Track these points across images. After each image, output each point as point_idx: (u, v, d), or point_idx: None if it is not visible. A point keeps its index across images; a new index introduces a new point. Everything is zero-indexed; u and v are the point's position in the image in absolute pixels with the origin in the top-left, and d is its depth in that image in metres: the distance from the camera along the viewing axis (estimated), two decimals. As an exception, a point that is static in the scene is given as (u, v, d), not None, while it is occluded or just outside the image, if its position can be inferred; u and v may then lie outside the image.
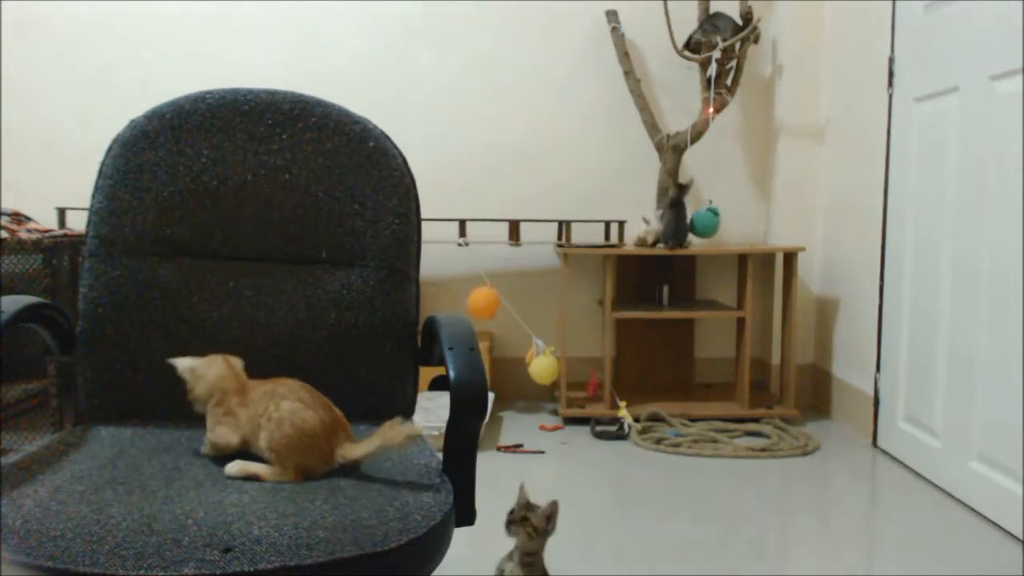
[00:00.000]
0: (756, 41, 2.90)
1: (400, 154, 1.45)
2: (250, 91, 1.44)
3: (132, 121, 1.41)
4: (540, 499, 1.42)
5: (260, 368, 1.34)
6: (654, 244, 2.81)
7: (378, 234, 1.40)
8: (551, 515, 1.35)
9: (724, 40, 2.81)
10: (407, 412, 1.42)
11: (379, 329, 1.38)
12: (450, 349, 1.14)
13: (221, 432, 1.13)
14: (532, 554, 1.35)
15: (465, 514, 1.12)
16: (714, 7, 2.97)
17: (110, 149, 1.40)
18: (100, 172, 1.39)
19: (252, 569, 0.84)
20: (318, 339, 1.36)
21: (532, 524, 1.33)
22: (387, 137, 1.46)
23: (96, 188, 1.38)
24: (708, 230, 2.89)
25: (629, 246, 2.88)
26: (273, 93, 1.44)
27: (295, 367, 1.35)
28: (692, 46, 2.90)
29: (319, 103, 1.45)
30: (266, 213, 1.41)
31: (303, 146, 1.42)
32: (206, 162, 1.40)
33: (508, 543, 1.40)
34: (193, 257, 1.39)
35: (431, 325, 1.31)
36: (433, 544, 0.97)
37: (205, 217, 1.39)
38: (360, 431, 1.27)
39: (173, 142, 1.39)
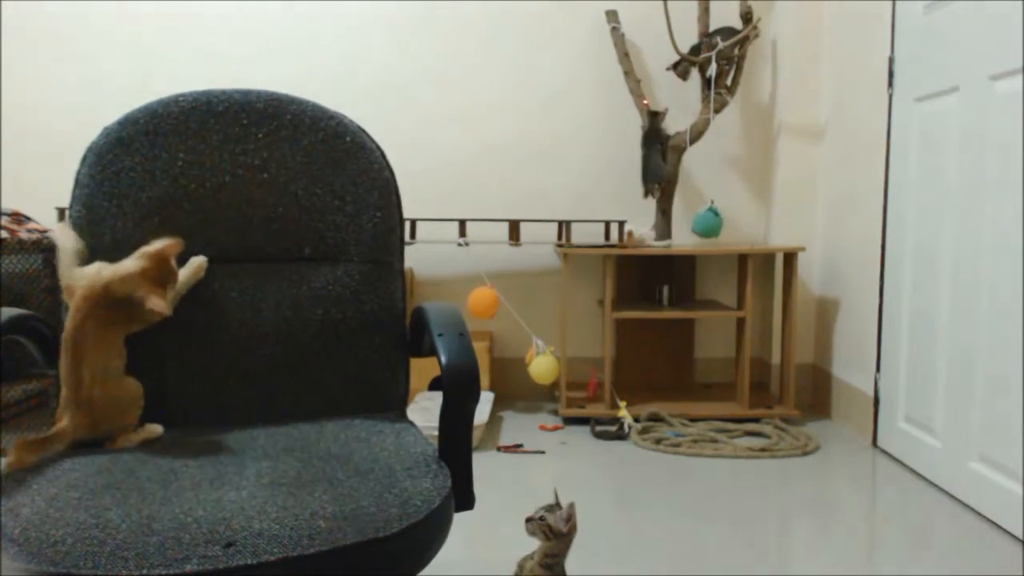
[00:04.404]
0: (755, 37, 2.90)
1: (378, 147, 1.45)
2: (223, 92, 1.43)
3: (105, 128, 1.40)
4: (541, 500, 1.42)
5: (249, 368, 1.34)
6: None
7: (360, 228, 1.41)
8: (569, 517, 1.35)
9: (724, 41, 2.81)
10: (400, 404, 1.42)
11: (367, 322, 1.38)
12: (439, 335, 1.15)
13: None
14: (554, 556, 1.35)
15: (464, 499, 1.13)
16: (714, 7, 2.98)
17: (85, 158, 1.38)
18: (76, 182, 1.38)
19: (255, 562, 0.85)
20: (306, 336, 1.36)
21: (549, 524, 1.34)
22: (364, 131, 1.46)
23: (73, 198, 1.37)
24: (711, 231, 2.89)
25: (634, 235, 2.88)
26: (246, 93, 1.44)
27: (284, 365, 1.35)
28: (691, 53, 2.91)
29: (293, 100, 1.45)
30: (246, 213, 1.41)
31: (279, 144, 1.42)
32: (183, 165, 1.39)
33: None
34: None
35: (419, 315, 1.32)
36: (433, 528, 0.98)
37: (185, 220, 1.39)
38: (353, 425, 1.28)
39: (148, 147, 1.38)
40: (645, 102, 2.93)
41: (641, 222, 3.12)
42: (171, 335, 1.34)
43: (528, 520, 1.36)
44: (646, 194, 2.91)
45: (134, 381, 1.23)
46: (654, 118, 2.85)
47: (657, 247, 2.84)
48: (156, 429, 1.23)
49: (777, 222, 3.09)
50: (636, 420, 2.72)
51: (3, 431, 2.47)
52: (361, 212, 1.41)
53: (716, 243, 3.05)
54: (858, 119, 2.75)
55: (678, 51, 2.89)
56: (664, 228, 2.94)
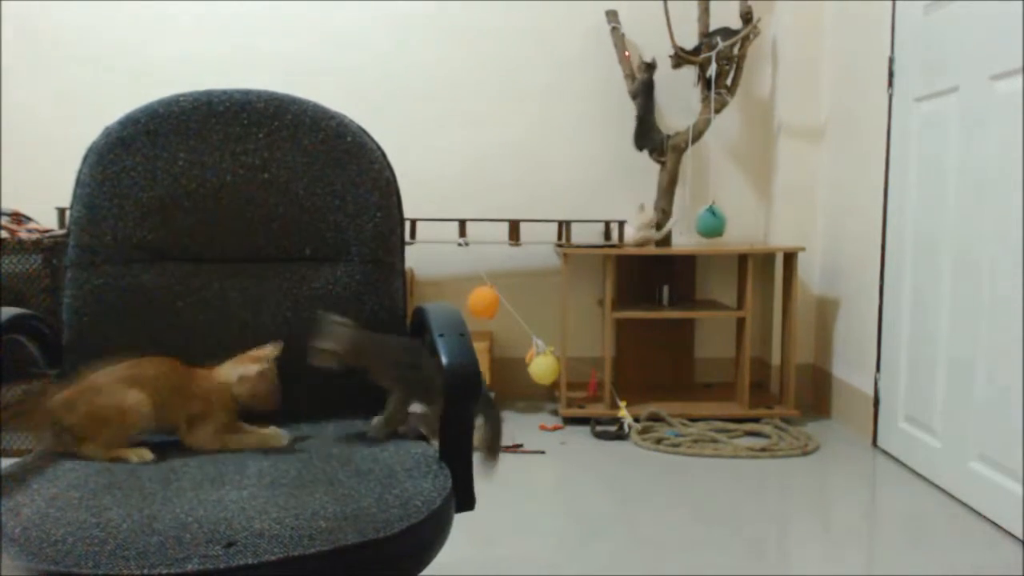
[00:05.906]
0: (755, 36, 2.91)
1: (379, 147, 1.46)
2: (224, 91, 1.43)
3: (106, 128, 1.40)
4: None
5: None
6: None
7: (361, 228, 1.41)
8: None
9: (723, 41, 2.81)
10: None
11: (368, 322, 1.38)
12: (440, 336, 1.15)
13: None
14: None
15: (465, 499, 1.13)
16: (714, 7, 2.98)
17: (86, 158, 1.38)
18: (77, 181, 1.38)
19: (256, 562, 0.85)
20: (306, 336, 1.36)
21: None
22: (364, 131, 1.46)
23: (74, 198, 1.37)
24: (711, 231, 2.89)
25: (630, 234, 2.87)
26: (247, 93, 1.44)
27: (284, 365, 1.34)
28: (692, 51, 2.91)
29: (294, 100, 1.45)
30: (247, 213, 1.41)
31: (280, 144, 1.42)
32: (184, 165, 1.39)
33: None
34: (176, 261, 1.38)
35: (420, 315, 1.32)
36: (434, 529, 0.98)
37: (186, 220, 1.39)
38: (354, 425, 1.28)
39: (149, 147, 1.38)
40: (627, 54, 2.95)
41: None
42: (170, 337, 1.34)
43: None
44: (640, 148, 2.97)
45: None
46: (650, 69, 2.88)
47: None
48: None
49: (777, 222, 3.09)
50: (636, 420, 2.72)
51: (3, 431, 2.47)
52: (362, 212, 1.41)
53: (716, 243, 3.05)
54: (858, 119, 2.75)
55: (679, 50, 2.89)
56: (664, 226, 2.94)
